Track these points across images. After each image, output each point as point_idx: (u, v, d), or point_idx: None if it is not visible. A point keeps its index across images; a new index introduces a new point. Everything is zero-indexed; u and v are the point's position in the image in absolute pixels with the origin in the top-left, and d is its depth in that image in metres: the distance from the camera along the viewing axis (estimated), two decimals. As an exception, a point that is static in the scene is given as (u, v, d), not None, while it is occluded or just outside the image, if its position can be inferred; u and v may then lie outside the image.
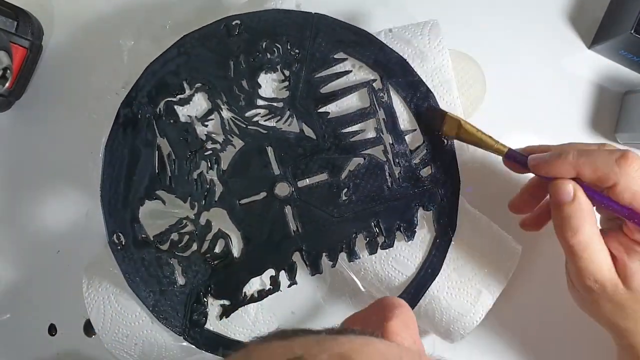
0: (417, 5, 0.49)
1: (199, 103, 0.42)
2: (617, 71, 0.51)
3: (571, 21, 0.51)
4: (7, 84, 0.44)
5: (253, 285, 0.43)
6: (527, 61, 0.51)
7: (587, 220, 0.36)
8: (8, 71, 0.44)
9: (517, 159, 0.40)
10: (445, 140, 0.42)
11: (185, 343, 0.43)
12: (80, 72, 0.50)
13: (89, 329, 0.50)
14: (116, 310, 0.44)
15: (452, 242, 0.43)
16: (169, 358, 0.45)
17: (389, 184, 0.42)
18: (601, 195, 0.37)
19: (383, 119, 0.42)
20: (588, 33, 0.51)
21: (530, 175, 0.41)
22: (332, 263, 0.42)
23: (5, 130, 0.50)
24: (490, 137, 0.41)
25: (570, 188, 0.36)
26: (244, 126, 0.42)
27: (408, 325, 0.27)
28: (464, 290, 0.43)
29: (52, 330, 0.51)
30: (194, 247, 0.42)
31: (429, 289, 0.43)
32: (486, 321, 0.43)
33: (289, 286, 0.42)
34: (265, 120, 0.42)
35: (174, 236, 0.42)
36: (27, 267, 0.50)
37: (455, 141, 0.43)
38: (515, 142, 0.51)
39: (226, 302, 0.42)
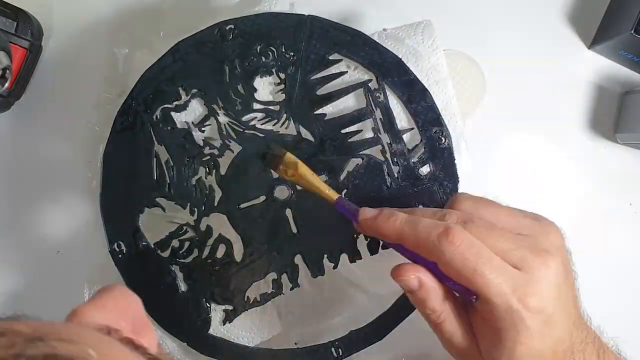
0: (414, 5, 0.49)
1: (196, 109, 0.42)
2: (617, 71, 0.51)
3: (571, 21, 0.51)
4: (6, 85, 0.44)
5: (255, 289, 0.42)
6: (527, 61, 0.51)
7: (436, 300, 0.35)
8: (7, 71, 0.44)
9: (346, 209, 0.38)
10: (442, 139, 0.42)
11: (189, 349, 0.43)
12: (80, 73, 0.49)
13: (88, 329, 0.49)
14: (119, 319, 0.43)
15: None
16: (174, 365, 0.45)
17: (388, 183, 0.42)
18: (429, 263, 0.34)
19: (380, 118, 0.42)
20: (588, 33, 0.51)
21: None
22: (333, 264, 0.42)
23: (5, 130, 0.50)
24: (323, 182, 0.39)
25: (414, 282, 0.35)
26: (241, 130, 0.42)
27: (105, 307, 0.26)
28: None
29: (52, 331, 0.51)
30: (195, 253, 0.42)
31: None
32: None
33: (292, 289, 0.42)
34: (262, 124, 0.42)
35: (175, 243, 0.42)
36: (27, 268, 0.50)
37: (454, 139, 0.43)
38: (515, 141, 0.51)
39: (229, 307, 0.42)
